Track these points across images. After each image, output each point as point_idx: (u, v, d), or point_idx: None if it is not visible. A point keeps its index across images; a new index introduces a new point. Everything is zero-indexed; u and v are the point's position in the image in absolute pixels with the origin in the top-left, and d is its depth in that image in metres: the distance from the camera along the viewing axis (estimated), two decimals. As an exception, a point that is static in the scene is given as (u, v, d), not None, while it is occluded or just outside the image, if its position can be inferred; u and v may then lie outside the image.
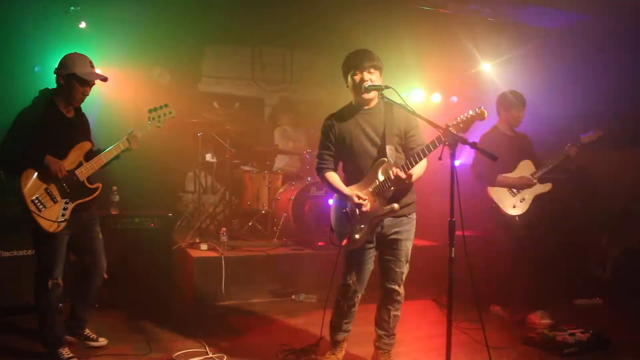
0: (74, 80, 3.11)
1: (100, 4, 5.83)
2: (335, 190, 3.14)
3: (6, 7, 5.25)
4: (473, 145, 2.51)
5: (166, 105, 3.40)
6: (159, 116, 3.35)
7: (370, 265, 3.15)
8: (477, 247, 3.75)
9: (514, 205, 4.30)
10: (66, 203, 3.10)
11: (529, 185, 4.29)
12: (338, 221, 3.15)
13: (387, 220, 3.04)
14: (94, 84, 3.23)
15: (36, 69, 5.33)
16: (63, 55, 3.19)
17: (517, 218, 4.28)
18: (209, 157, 6.75)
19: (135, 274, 4.27)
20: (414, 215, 3.14)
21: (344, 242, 3.04)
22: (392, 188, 2.91)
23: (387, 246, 3.11)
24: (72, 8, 5.70)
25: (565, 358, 3.54)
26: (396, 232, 3.08)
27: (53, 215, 3.05)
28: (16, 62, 5.35)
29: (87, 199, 3.20)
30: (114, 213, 4.54)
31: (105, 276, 3.41)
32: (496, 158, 2.57)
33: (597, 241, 5.49)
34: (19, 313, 3.92)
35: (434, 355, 3.50)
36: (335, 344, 3.29)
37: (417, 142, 3.04)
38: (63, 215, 3.08)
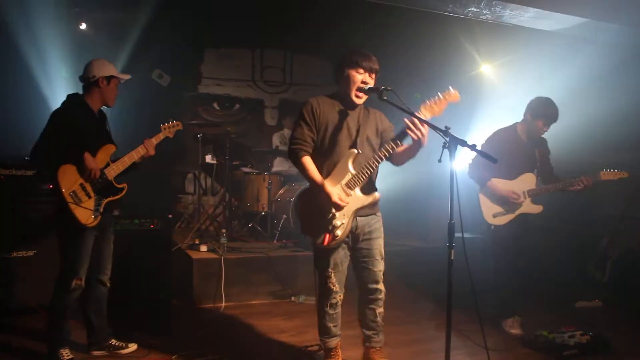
0: (113, 81, 3.33)
1: (100, 5, 5.84)
2: (310, 180, 2.95)
3: (6, 9, 5.26)
4: (473, 148, 2.49)
5: (175, 120, 3.66)
6: (169, 127, 3.60)
7: (346, 263, 3.10)
8: (477, 249, 3.73)
9: (494, 214, 4.03)
10: (99, 199, 3.22)
11: (513, 201, 3.97)
12: (312, 218, 2.99)
13: (358, 220, 3.01)
14: None
15: None
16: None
17: (492, 227, 4.02)
18: (208, 158, 6.76)
19: (135, 275, 4.26)
20: (380, 213, 3.11)
21: (326, 241, 2.92)
22: (365, 178, 2.91)
23: (361, 247, 3.07)
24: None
25: (564, 360, 3.54)
26: (368, 232, 3.05)
27: (89, 207, 3.16)
28: (16, 63, 5.37)
29: (115, 197, 3.34)
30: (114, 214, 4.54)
31: (108, 284, 3.42)
32: (496, 161, 2.54)
33: (596, 243, 5.48)
34: (19, 313, 3.93)
35: (434, 358, 3.49)
36: (328, 351, 3.19)
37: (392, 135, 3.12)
38: (97, 210, 3.19)
